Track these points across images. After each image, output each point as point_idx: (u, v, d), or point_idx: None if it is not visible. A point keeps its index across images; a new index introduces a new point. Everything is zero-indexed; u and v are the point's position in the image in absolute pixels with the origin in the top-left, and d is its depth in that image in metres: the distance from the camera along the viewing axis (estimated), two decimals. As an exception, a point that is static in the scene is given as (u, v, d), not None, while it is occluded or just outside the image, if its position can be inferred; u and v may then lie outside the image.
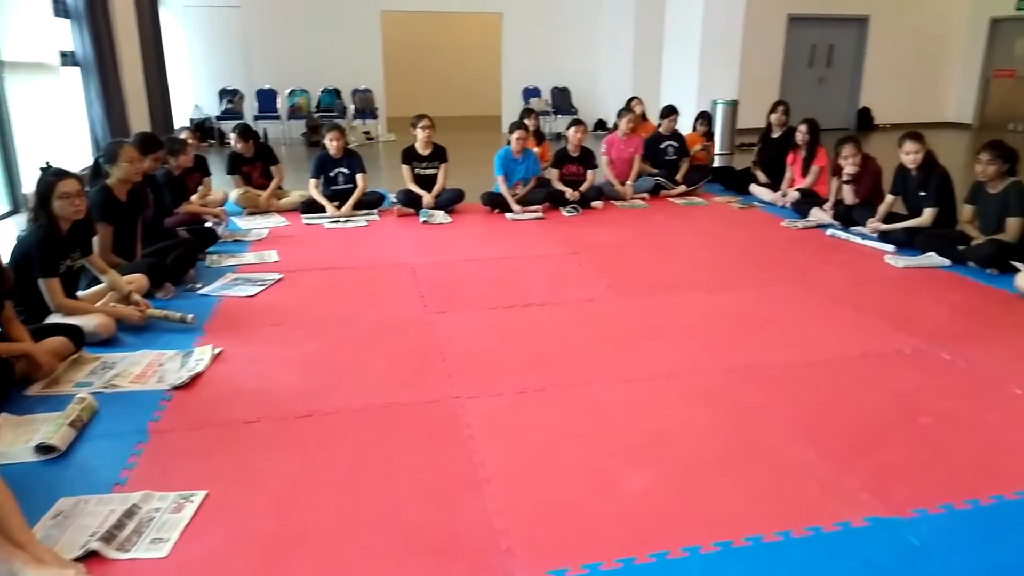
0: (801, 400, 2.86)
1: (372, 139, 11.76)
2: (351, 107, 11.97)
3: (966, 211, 4.81)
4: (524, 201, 6.29)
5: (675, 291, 4.25)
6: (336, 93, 11.94)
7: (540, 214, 6.20)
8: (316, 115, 11.61)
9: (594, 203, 6.51)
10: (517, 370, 3.14)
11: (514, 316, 3.84)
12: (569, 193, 6.38)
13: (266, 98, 11.70)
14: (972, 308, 3.94)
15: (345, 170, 6.21)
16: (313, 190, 6.19)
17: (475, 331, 3.63)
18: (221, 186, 6.57)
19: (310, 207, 6.14)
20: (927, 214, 4.98)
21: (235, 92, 11.57)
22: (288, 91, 11.82)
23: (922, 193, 5.04)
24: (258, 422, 2.69)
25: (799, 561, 1.93)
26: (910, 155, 5.01)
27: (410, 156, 6.30)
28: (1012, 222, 4.42)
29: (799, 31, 13.22)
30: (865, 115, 13.78)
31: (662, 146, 7.28)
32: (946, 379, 3.05)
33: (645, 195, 6.98)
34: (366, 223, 5.94)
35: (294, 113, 11.77)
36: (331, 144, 6.11)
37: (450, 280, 4.47)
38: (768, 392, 2.94)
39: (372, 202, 6.33)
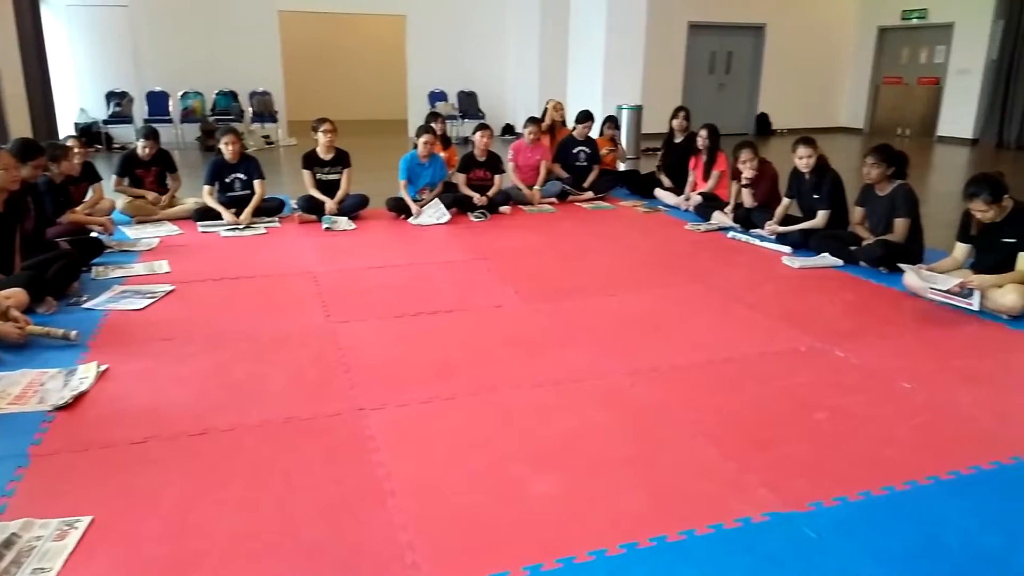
0: (703, 399, 2.91)
1: (272, 143, 11.44)
2: (249, 110, 11.60)
3: (856, 213, 5.04)
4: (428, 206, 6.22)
5: (582, 295, 4.27)
6: (232, 95, 11.53)
7: (447, 219, 6.14)
8: (211, 118, 11.17)
9: (502, 208, 6.50)
10: (424, 379, 3.08)
11: (421, 324, 3.77)
12: (477, 198, 6.35)
13: (157, 101, 11.18)
14: (863, 306, 4.12)
15: (242, 176, 5.99)
16: (208, 197, 5.93)
17: (380, 340, 3.54)
18: (115, 193, 6.20)
19: (205, 215, 5.88)
20: (820, 216, 5.20)
21: (123, 95, 10.99)
22: (181, 93, 11.33)
23: (815, 196, 5.25)
24: (147, 442, 2.53)
25: (701, 559, 1.95)
26: (803, 159, 5.22)
27: (311, 161, 6.13)
28: (899, 223, 4.65)
29: (699, 38, 13.65)
30: (763, 120, 14.35)
31: (575, 151, 7.34)
32: (839, 375, 3.16)
33: (553, 200, 7.02)
34: (265, 231, 5.74)
35: (187, 116, 11.29)
36: (227, 149, 5.87)
37: (354, 288, 4.35)
38: (672, 392, 2.97)
39: (271, 209, 6.12)
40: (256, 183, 5.98)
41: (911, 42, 13.65)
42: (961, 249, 4.08)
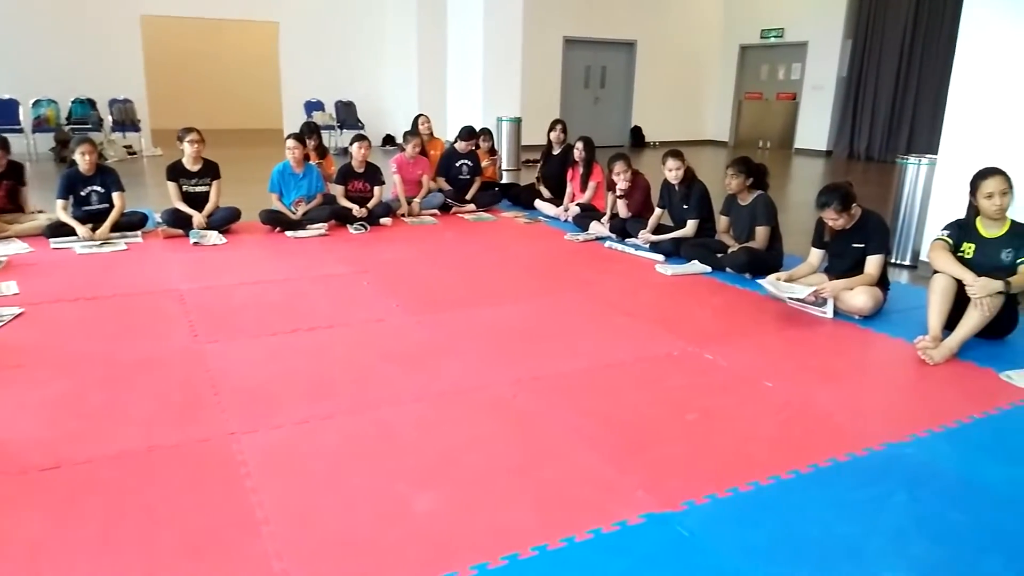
0: (583, 406, 2.97)
1: (134, 154, 10.85)
2: (108, 119, 10.95)
3: (722, 222, 5.31)
4: (308, 218, 6.06)
5: (465, 306, 4.27)
6: (91, 103, 10.82)
7: (324, 232, 6.00)
8: (67, 127, 10.46)
9: (383, 220, 6.42)
10: (300, 399, 2.97)
11: (297, 341, 3.65)
12: (356, 210, 6.24)
13: (6, 109, 10.32)
14: (730, 310, 4.33)
15: (99, 188, 5.61)
16: (61, 211, 5.51)
17: (253, 360, 3.39)
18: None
19: (58, 230, 5.45)
20: (689, 225, 5.43)
21: (-32, 103, 10.14)
22: (33, 101, 10.53)
23: (685, 206, 5.49)
24: (-11, 481, 2.32)
25: (581, 565, 1.98)
26: (672, 171, 5.45)
27: (177, 172, 5.83)
28: (760, 231, 4.93)
29: (574, 53, 14.03)
30: (637, 133, 14.90)
31: (457, 164, 7.34)
32: (709, 377, 3.31)
33: (435, 211, 7.00)
34: (126, 246, 5.40)
35: (40, 126, 10.51)
36: (82, 159, 5.49)
37: (225, 306, 4.17)
38: (553, 400, 3.01)
39: (133, 223, 5.76)
40: (115, 196, 5.63)
41: (770, 59, 14.57)
42: (816, 254, 4.37)
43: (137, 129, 11.15)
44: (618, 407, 2.97)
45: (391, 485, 2.35)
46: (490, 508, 2.24)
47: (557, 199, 7.13)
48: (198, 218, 5.73)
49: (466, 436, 2.71)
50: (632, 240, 5.84)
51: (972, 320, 3.46)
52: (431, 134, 8.03)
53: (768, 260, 4.82)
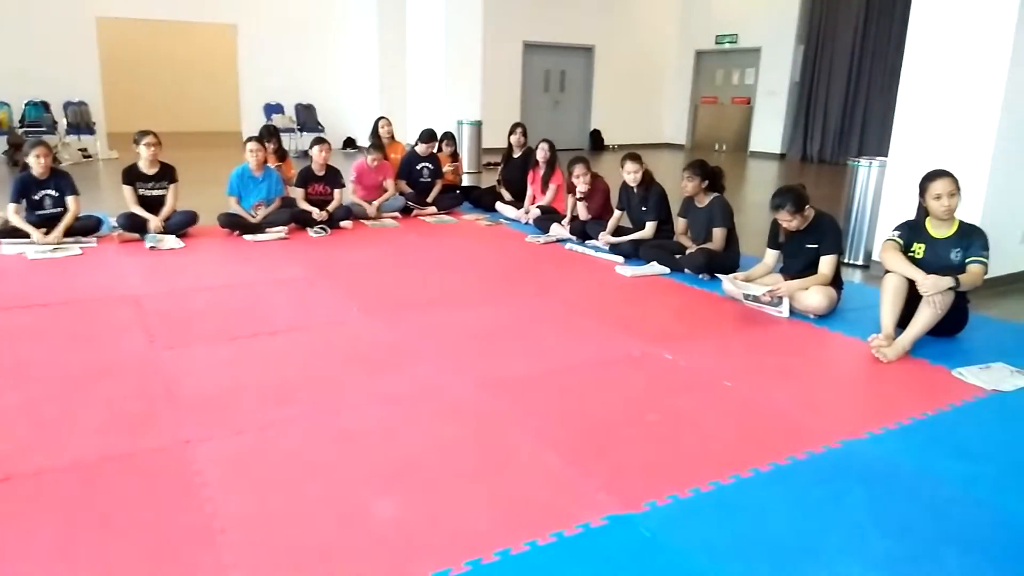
0: (545, 408, 2.97)
1: (90, 157, 10.60)
2: (63, 121, 10.67)
3: (679, 223, 5.37)
4: (267, 222, 5.98)
5: (426, 309, 4.25)
6: (45, 106, 10.59)
7: (284, 235, 5.92)
8: (20, 130, 10.18)
9: (343, 223, 6.36)
10: (259, 404, 2.93)
11: (257, 346, 3.60)
12: (316, 213, 6.18)
13: (-45, 112, 10.06)
14: (688, 311, 4.38)
15: (52, 192, 5.46)
16: (13, 215, 5.35)
17: (211, 366, 3.34)
18: None
19: (10, 235, 5.30)
20: (648, 227, 5.49)
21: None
22: (-15, 104, 10.26)
23: (643, 208, 5.54)
24: (-67, 496, 2.24)
25: (544, 569, 1.98)
26: (630, 174, 5.50)
27: (133, 175, 5.72)
28: (717, 232, 5.00)
29: (534, 57, 14.08)
30: (597, 136, 15.00)
31: (418, 167, 7.32)
32: (669, 377, 3.34)
33: (396, 214, 6.96)
34: (80, 251, 5.27)
35: (-9, 129, 10.24)
36: (36, 163, 5.35)
37: (182, 312, 4.09)
38: (515, 403, 3.01)
39: (88, 227, 5.63)
40: (69, 200, 5.49)
41: (725, 65, 14.79)
42: (771, 255, 4.45)
43: (92, 132, 10.91)
44: (580, 409, 2.98)
45: (352, 491, 2.33)
46: (452, 513, 2.23)
47: (518, 202, 7.15)
48: (155, 222, 5.62)
49: (428, 440, 2.69)
50: (592, 242, 5.88)
51: (924, 317, 3.55)
52: (392, 137, 7.99)
53: (725, 261, 4.89)
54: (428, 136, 7.31)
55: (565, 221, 6.28)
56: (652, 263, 5.22)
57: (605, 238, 5.69)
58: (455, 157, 7.94)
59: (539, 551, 2.05)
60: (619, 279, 5.03)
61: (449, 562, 1.98)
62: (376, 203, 6.83)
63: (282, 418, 2.81)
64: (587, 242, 5.94)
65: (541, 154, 6.77)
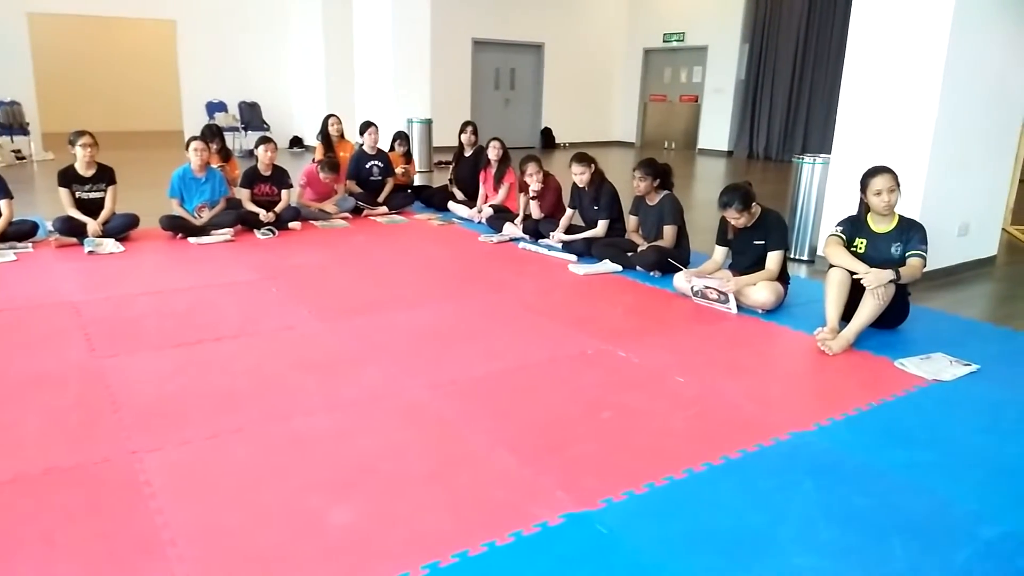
0: (500, 408, 2.97)
1: (23, 159, 10.24)
2: (-6, 122, 10.29)
3: (631, 221, 5.42)
4: (212, 224, 5.84)
5: (378, 311, 4.20)
6: (-28, 106, 10.19)
7: (230, 237, 5.80)
8: (-53, 132, 9.80)
9: (291, 224, 6.26)
10: (207, 413, 2.86)
11: (203, 353, 3.51)
12: (263, 215, 6.07)
13: None
14: (641, 308, 4.42)
15: (-16, 196, 5.26)
16: (-59, 221, 5.15)
17: (156, 374, 3.24)
18: None
19: (-62, 241, 5.10)
20: (600, 226, 5.52)
21: None
22: (-96, 104, 9.83)
23: (595, 207, 5.58)
24: None
25: (503, 569, 1.97)
26: (577, 176, 5.55)
27: (69, 178, 5.52)
28: (667, 230, 5.06)
29: (484, 55, 14.05)
30: (548, 134, 15.05)
31: (367, 165, 7.23)
32: (622, 374, 3.37)
33: (347, 215, 6.87)
34: (15, 257, 5.08)
35: (-85, 131, 9.82)
36: (-37, 165, 5.14)
37: (124, 318, 3.97)
38: (469, 404, 3.00)
39: (23, 232, 5.42)
40: (2, 204, 5.29)
41: (673, 63, 14.99)
42: (720, 252, 4.52)
43: (26, 132, 10.54)
44: (534, 408, 2.98)
45: (304, 499, 2.29)
46: (408, 517, 2.21)
47: (470, 201, 7.12)
48: (93, 225, 5.44)
49: (381, 444, 2.66)
50: (545, 241, 5.89)
51: (867, 310, 3.65)
52: (341, 135, 7.89)
53: (676, 258, 4.95)
54: (366, 126, 7.30)
55: (518, 220, 6.28)
56: (604, 261, 5.25)
57: (558, 236, 5.71)
58: (408, 158, 7.87)
59: (497, 551, 2.04)
60: (572, 277, 5.05)
61: (406, 566, 1.96)
62: (331, 200, 6.75)
63: (232, 425, 2.75)
64: (540, 241, 5.95)
65: (493, 153, 6.76)
